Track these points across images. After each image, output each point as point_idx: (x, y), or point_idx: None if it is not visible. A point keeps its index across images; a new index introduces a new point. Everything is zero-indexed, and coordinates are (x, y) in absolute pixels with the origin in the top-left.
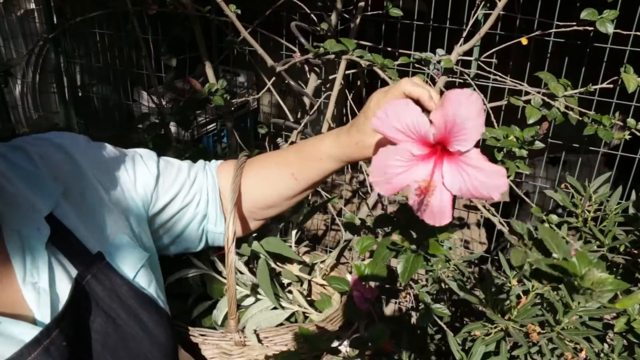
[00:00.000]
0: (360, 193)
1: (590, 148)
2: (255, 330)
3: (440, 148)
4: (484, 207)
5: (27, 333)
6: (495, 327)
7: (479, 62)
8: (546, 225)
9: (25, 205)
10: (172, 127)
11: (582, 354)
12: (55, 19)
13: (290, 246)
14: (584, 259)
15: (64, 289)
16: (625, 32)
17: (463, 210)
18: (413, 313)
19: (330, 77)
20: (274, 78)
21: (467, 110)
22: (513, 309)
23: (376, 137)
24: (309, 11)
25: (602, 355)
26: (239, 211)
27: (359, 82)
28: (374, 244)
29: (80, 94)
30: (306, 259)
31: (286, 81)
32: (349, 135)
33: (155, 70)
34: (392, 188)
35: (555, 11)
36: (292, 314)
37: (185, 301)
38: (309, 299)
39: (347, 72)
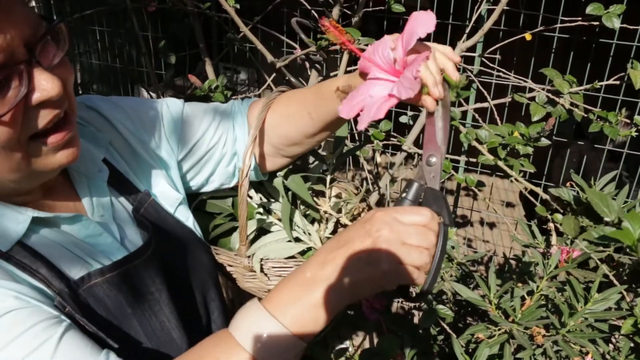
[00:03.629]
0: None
1: (595, 145)
2: (261, 259)
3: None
4: (516, 179)
5: (112, 249)
6: (500, 330)
7: (483, 59)
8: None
9: (86, 152)
10: None
11: (589, 357)
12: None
13: (325, 183)
14: (637, 220)
15: (126, 221)
16: (632, 27)
17: (467, 209)
18: (416, 313)
19: (332, 74)
20: (274, 74)
21: (419, 19)
22: (517, 311)
23: None
24: (309, 7)
25: (608, 357)
26: (266, 147)
27: None
28: None
29: (80, 92)
30: (338, 197)
31: (287, 78)
32: (358, 78)
33: (155, 67)
34: (352, 107)
35: (560, 6)
36: (308, 250)
37: (213, 220)
38: (330, 236)
39: (348, 68)
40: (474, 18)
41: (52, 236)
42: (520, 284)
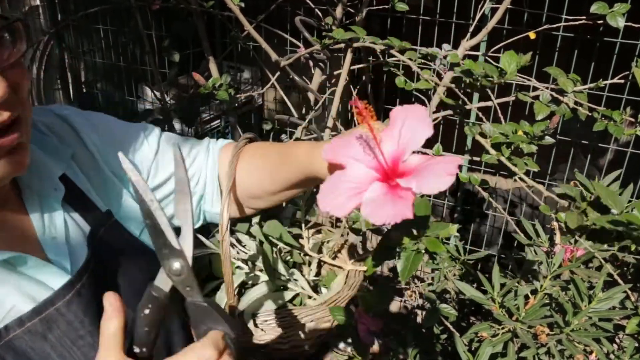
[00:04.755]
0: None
1: (600, 145)
2: (253, 315)
3: (389, 170)
4: (520, 178)
5: (56, 278)
6: (503, 328)
7: (486, 57)
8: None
9: (41, 167)
10: (176, 124)
11: (593, 356)
12: (59, 15)
13: (301, 225)
14: None
15: (80, 244)
16: (636, 26)
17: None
18: (419, 312)
19: (335, 73)
20: (278, 73)
21: (413, 116)
22: (521, 310)
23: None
24: (313, 5)
25: (612, 357)
26: (233, 196)
27: (364, 78)
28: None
29: (84, 90)
30: (318, 237)
31: (291, 76)
32: (317, 159)
33: (159, 66)
34: (345, 209)
35: (564, 5)
36: (296, 295)
37: None
38: (316, 278)
39: (352, 67)
40: (477, 17)
41: None
42: (523, 283)
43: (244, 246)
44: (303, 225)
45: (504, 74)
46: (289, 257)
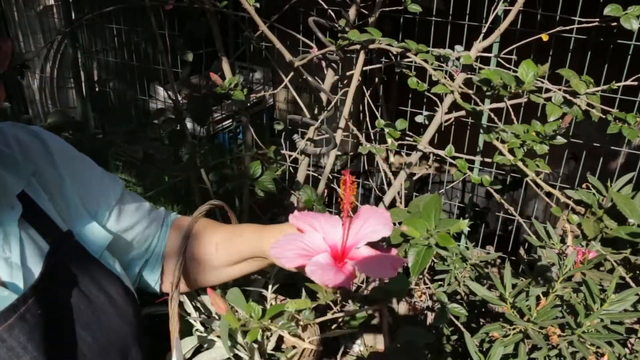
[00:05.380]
0: (377, 191)
1: (612, 147)
2: None
3: (341, 252)
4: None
5: (3, 302)
6: (514, 329)
7: (499, 59)
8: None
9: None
10: (188, 123)
11: (604, 359)
12: (73, 14)
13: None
14: None
15: (36, 264)
16: None
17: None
18: (428, 313)
19: (348, 74)
20: (292, 73)
21: (379, 217)
22: (533, 310)
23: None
24: (326, 7)
25: None
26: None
27: (376, 79)
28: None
29: (97, 89)
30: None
31: (303, 76)
32: (266, 237)
33: (172, 65)
34: (292, 263)
35: (577, 7)
36: None
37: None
38: (274, 352)
39: (364, 67)
40: (490, 18)
41: None
42: (535, 284)
43: (206, 310)
44: (268, 296)
45: (521, 83)
46: (248, 328)
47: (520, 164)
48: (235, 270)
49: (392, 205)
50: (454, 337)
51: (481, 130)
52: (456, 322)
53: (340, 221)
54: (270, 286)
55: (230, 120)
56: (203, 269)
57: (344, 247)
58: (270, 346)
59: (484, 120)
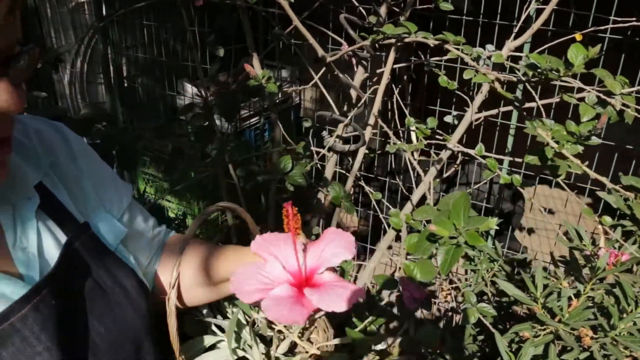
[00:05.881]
0: (404, 191)
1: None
2: None
3: (303, 278)
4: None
5: (18, 292)
6: (545, 329)
7: (520, 63)
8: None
9: (17, 174)
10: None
11: None
12: (104, 10)
13: None
14: None
15: (53, 254)
16: None
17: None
18: (453, 314)
19: (378, 72)
20: (323, 69)
21: (341, 239)
22: (565, 311)
23: None
24: (357, 4)
25: None
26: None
27: (405, 77)
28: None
29: (126, 85)
30: None
31: (335, 72)
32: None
33: (201, 62)
34: (251, 298)
35: (612, 6)
36: None
37: None
38: (286, 357)
39: (393, 66)
40: (522, 18)
41: None
42: (566, 285)
43: (224, 312)
44: None
45: (570, 66)
46: (260, 331)
47: (563, 162)
48: (225, 289)
49: (420, 204)
50: (481, 338)
51: (512, 129)
52: (484, 321)
53: (302, 246)
54: None
55: (257, 118)
56: (203, 280)
57: (308, 274)
58: (281, 349)
59: (513, 121)
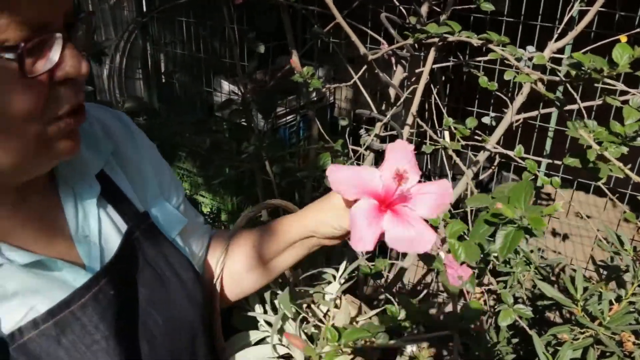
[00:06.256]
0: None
1: None
2: None
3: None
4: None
5: (80, 280)
6: (584, 332)
7: (563, 62)
8: None
9: (80, 162)
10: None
11: None
12: (145, 7)
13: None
14: None
15: (114, 243)
16: None
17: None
18: (483, 318)
19: (417, 71)
20: (364, 67)
21: (403, 152)
22: (605, 314)
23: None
24: (397, 3)
25: None
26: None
27: (443, 78)
28: (465, 229)
29: (163, 80)
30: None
31: (375, 71)
32: (308, 211)
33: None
34: (371, 243)
35: None
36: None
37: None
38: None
39: (433, 65)
40: (565, 19)
41: None
42: (607, 288)
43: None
44: (334, 298)
45: (615, 66)
46: (305, 329)
47: (604, 165)
48: (280, 260)
49: (455, 206)
50: (515, 340)
51: (550, 131)
52: (521, 322)
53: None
54: (338, 283)
55: (292, 116)
56: (249, 263)
57: (394, 195)
58: (327, 347)
59: (552, 123)
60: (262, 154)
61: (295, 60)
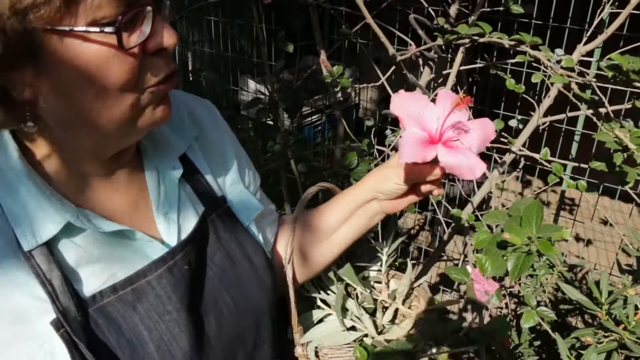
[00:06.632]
0: (463, 193)
1: None
2: (316, 348)
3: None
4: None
5: (156, 253)
6: (608, 336)
7: (600, 63)
8: None
9: (165, 143)
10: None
11: None
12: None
13: (380, 269)
14: None
15: (191, 222)
16: None
17: (569, 219)
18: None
19: (444, 72)
20: (392, 67)
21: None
22: (630, 318)
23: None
24: (426, 5)
25: None
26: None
27: (470, 79)
28: (490, 238)
29: (191, 78)
30: (393, 283)
31: (403, 72)
32: (368, 178)
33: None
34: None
35: None
36: (365, 336)
37: None
38: (390, 323)
39: (460, 67)
40: (595, 22)
41: (83, 241)
42: (633, 293)
43: (329, 289)
44: (384, 272)
45: None
46: (364, 303)
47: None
48: (344, 231)
49: (479, 208)
50: (537, 343)
51: (577, 135)
52: (544, 324)
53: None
54: (384, 263)
55: (317, 116)
56: (314, 238)
57: (438, 134)
58: (387, 318)
59: (579, 127)
60: (288, 153)
61: (324, 59)
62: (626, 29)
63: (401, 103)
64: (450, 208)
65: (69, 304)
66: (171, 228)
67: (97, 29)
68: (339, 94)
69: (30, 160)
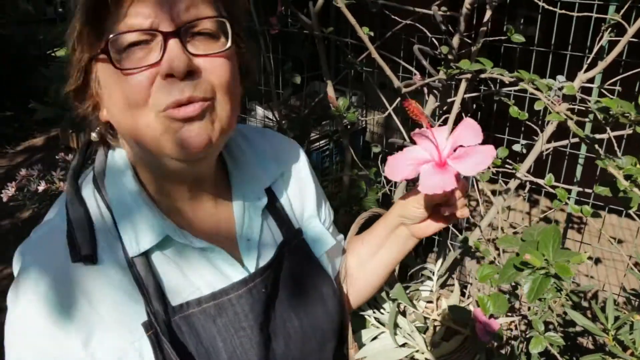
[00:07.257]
0: (470, 218)
1: None
2: None
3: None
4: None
5: (237, 275)
6: None
7: (602, 90)
8: None
9: (252, 175)
10: None
11: None
12: None
13: (432, 290)
14: None
15: (269, 249)
16: None
17: (576, 240)
18: (514, 343)
19: (448, 100)
20: (399, 99)
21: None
22: (637, 344)
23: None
24: (429, 34)
25: None
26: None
27: (474, 106)
28: (495, 273)
29: None
30: (443, 301)
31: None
32: (394, 205)
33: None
34: (401, 175)
35: None
36: (416, 352)
37: None
38: (440, 340)
39: (464, 95)
40: (595, 49)
41: (174, 255)
42: (639, 318)
43: (382, 308)
44: (434, 292)
45: None
46: (415, 321)
47: (636, 194)
48: (381, 256)
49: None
50: None
51: (581, 158)
52: (552, 349)
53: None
54: (435, 282)
55: (324, 141)
56: (359, 262)
57: (444, 154)
58: (438, 336)
59: (583, 151)
60: None
61: (331, 94)
62: (625, 55)
63: (392, 168)
64: (457, 233)
65: (159, 309)
66: (251, 253)
67: (103, 55)
68: (346, 120)
69: (140, 181)
